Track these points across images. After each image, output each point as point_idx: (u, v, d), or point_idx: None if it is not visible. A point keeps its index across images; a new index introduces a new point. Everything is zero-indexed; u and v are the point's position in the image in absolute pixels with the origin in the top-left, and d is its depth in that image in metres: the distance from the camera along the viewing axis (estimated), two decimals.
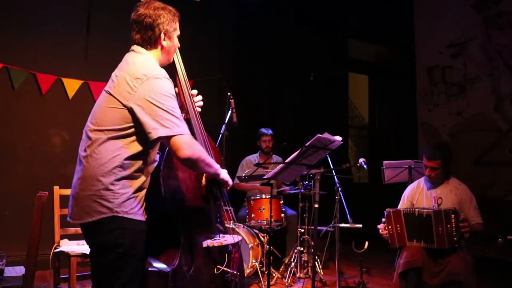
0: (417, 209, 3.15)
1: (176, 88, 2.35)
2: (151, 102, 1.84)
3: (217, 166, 2.16)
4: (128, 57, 2.01)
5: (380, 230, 3.28)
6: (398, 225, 3.16)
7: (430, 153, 3.29)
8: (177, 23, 2.10)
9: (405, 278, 3.03)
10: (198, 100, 2.39)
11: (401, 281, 3.04)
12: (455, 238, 2.98)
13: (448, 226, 2.99)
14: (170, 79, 1.98)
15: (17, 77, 4.44)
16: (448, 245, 3.00)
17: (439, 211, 3.05)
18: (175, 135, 1.86)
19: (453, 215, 3.00)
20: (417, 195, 3.44)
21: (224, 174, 2.24)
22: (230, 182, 2.29)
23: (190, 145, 1.89)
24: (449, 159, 3.29)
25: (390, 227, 3.19)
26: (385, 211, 3.25)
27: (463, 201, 3.26)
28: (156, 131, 1.84)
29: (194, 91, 2.37)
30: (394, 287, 3.08)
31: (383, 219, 3.25)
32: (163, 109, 1.85)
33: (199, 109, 2.39)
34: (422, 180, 3.50)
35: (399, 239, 3.17)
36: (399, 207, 3.44)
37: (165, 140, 1.89)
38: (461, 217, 3.02)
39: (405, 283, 3.03)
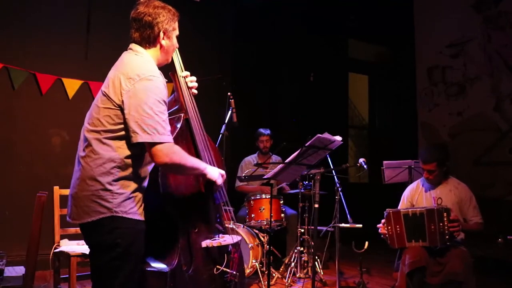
0: (410, 209, 3.17)
1: (176, 87, 2.36)
2: (139, 104, 1.82)
3: (202, 166, 2.11)
4: (125, 57, 2.01)
5: (379, 230, 3.28)
6: (397, 226, 3.16)
7: (425, 156, 3.30)
8: (176, 23, 2.10)
9: (410, 278, 3.03)
10: (192, 81, 2.36)
11: (407, 282, 3.03)
12: (447, 237, 3.00)
13: (441, 224, 3.01)
14: (165, 80, 1.98)
15: (17, 77, 4.44)
16: (440, 243, 3.02)
17: (432, 209, 3.06)
18: (154, 142, 1.83)
19: (445, 214, 3.01)
20: (417, 195, 3.44)
21: (211, 173, 2.17)
22: (219, 180, 2.21)
23: (166, 153, 1.85)
24: (445, 159, 3.28)
25: (389, 227, 3.19)
26: (384, 212, 3.25)
27: (463, 201, 3.26)
28: (136, 136, 1.82)
29: (187, 73, 2.35)
30: None
31: (383, 220, 3.25)
32: (148, 113, 1.82)
33: (195, 91, 2.37)
34: (421, 181, 3.50)
35: (398, 239, 3.16)
36: (399, 207, 3.44)
37: (146, 145, 1.86)
38: (451, 217, 3.02)
39: (410, 283, 3.02)
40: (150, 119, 1.82)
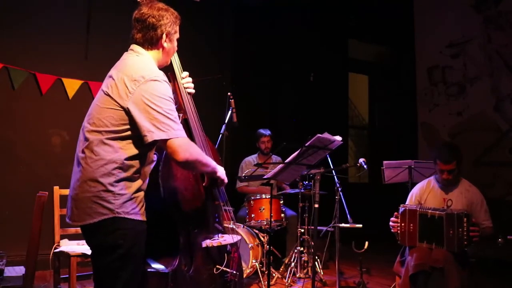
0: (430, 211, 3.10)
1: (174, 88, 2.36)
2: (147, 105, 1.83)
3: (214, 164, 2.15)
4: (127, 58, 2.01)
5: (391, 223, 3.24)
6: (411, 224, 3.12)
7: (446, 156, 3.18)
8: (178, 27, 2.11)
9: (414, 281, 2.99)
10: (188, 81, 2.35)
11: (410, 283, 3.00)
12: (465, 243, 2.94)
13: (460, 229, 2.94)
14: (168, 81, 1.98)
15: (17, 77, 4.44)
16: (457, 249, 2.95)
17: (452, 214, 3.00)
18: (170, 139, 1.85)
19: (465, 219, 2.95)
20: (426, 195, 3.37)
21: (221, 172, 2.21)
22: (226, 180, 2.25)
23: (186, 148, 1.88)
24: (462, 158, 3.22)
25: (403, 224, 3.15)
26: (400, 207, 3.22)
27: (473, 204, 3.20)
28: (151, 134, 1.82)
29: (186, 73, 2.35)
30: None
31: (396, 214, 3.23)
32: (159, 112, 1.83)
33: (192, 91, 2.36)
34: (432, 180, 3.41)
35: (409, 238, 3.13)
36: (406, 203, 3.40)
37: (162, 143, 1.87)
38: (472, 221, 2.97)
39: (414, 286, 2.99)
40: (162, 117, 1.84)
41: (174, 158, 1.88)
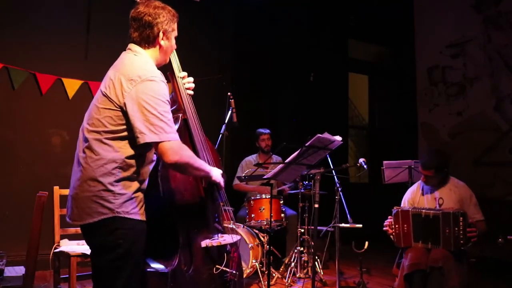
0: (424, 210, 3.12)
1: (173, 88, 2.36)
2: (142, 105, 1.83)
3: (208, 168, 2.13)
4: (124, 57, 2.01)
5: (385, 226, 3.26)
6: (405, 225, 3.14)
7: (424, 162, 3.29)
8: (176, 24, 2.11)
9: (410, 280, 3.00)
10: (189, 81, 2.35)
11: (406, 284, 3.01)
12: (462, 241, 2.95)
13: (456, 228, 2.96)
14: (166, 81, 1.98)
15: (17, 77, 4.44)
16: (454, 247, 2.97)
17: (448, 213, 3.02)
18: (162, 141, 1.84)
19: (461, 218, 2.97)
20: (418, 198, 3.41)
21: (216, 175, 2.19)
22: (222, 183, 2.25)
23: (176, 151, 1.87)
24: (444, 166, 3.28)
25: (397, 226, 3.17)
26: (393, 209, 3.23)
27: (463, 199, 3.25)
28: (143, 136, 1.82)
29: (184, 73, 2.35)
30: None
31: (390, 217, 3.24)
32: (153, 114, 1.83)
33: (191, 92, 2.36)
34: (421, 183, 3.47)
35: (405, 239, 3.15)
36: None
37: (153, 145, 1.87)
38: (470, 221, 2.99)
39: (410, 286, 3.00)
40: (155, 119, 1.83)
41: (163, 159, 1.87)
